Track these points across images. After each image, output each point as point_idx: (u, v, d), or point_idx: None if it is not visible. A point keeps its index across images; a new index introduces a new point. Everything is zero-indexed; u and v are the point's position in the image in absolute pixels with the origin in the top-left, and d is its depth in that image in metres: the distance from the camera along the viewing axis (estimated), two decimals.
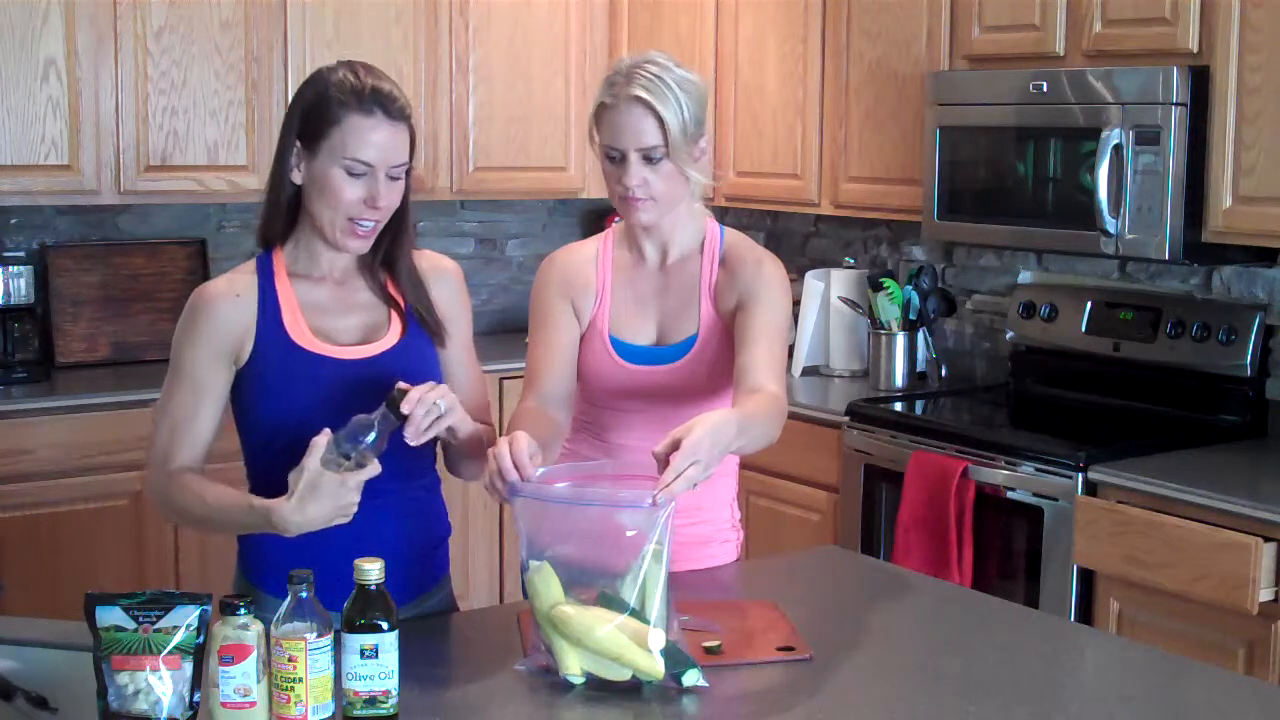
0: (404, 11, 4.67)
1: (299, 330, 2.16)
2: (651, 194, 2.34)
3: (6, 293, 4.23)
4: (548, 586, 1.94)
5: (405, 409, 1.99)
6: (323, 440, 1.97)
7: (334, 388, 2.14)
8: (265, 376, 2.15)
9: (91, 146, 4.20)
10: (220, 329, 2.15)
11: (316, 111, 2.12)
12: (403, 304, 2.24)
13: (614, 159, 2.34)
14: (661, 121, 2.29)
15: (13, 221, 4.44)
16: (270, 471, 2.11)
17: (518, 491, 1.99)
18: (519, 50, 4.91)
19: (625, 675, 1.91)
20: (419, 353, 2.23)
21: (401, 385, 2.01)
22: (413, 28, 4.69)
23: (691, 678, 1.91)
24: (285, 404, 2.14)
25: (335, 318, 2.20)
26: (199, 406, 2.16)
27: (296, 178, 2.15)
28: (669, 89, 2.30)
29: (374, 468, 1.99)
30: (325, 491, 1.95)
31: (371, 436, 1.98)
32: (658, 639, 1.90)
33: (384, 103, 2.11)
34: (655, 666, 1.89)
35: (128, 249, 4.60)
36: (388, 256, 2.24)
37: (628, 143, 2.31)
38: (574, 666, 1.91)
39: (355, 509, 1.99)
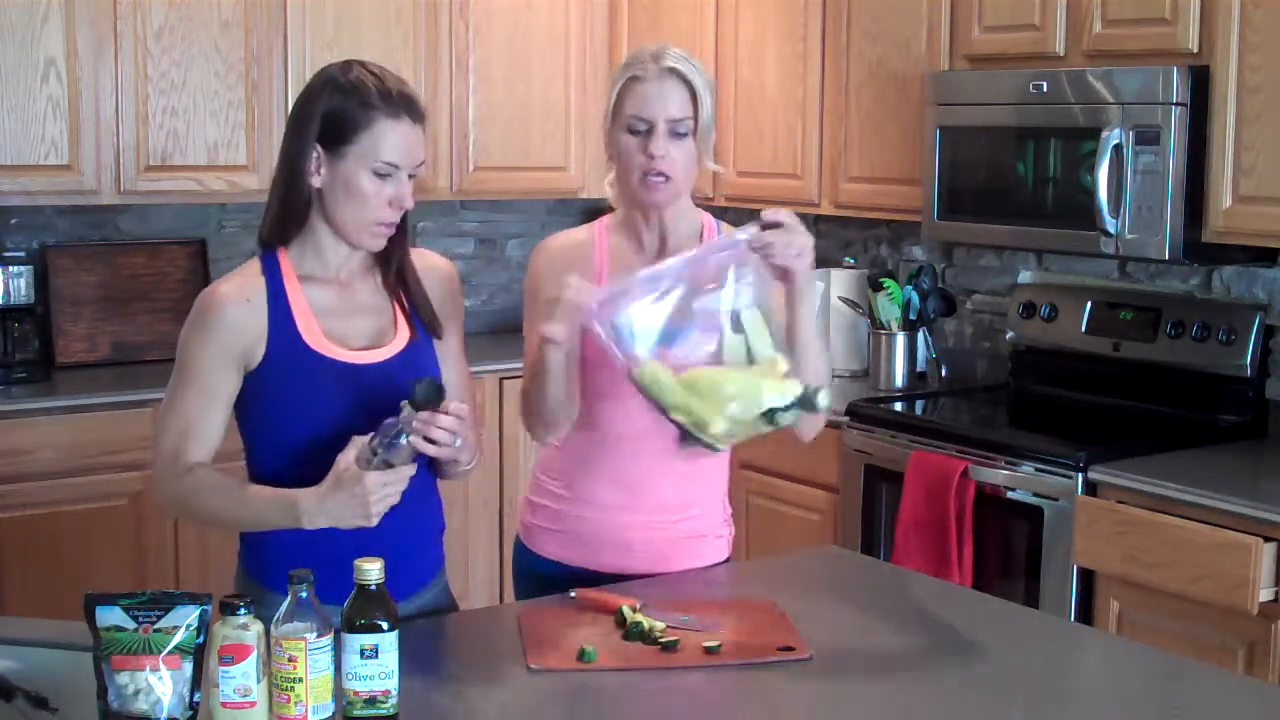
0: (404, 11, 4.67)
1: (313, 334, 2.14)
2: (673, 170, 2.35)
3: (6, 293, 4.22)
4: (661, 372, 2.03)
5: (438, 437, 1.98)
6: (361, 439, 1.99)
7: (349, 392, 2.13)
8: (279, 381, 2.13)
9: (91, 146, 4.20)
10: (231, 333, 2.12)
11: (341, 115, 2.10)
12: (405, 303, 2.24)
13: (639, 131, 2.34)
14: (694, 95, 2.35)
15: (13, 221, 4.44)
16: (279, 477, 2.11)
17: (607, 299, 2.07)
18: (519, 50, 4.91)
19: (762, 425, 2.01)
20: (427, 356, 2.24)
21: (425, 383, 2.00)
22: (413, 28, 4.69)
23: (824, 398, 2.04)
24: (299, 409, 2.13)
25: (345, 320, 2.19)
26: (208, 409, 2.14)
27: (316, 181, 2.13)
28: (698, 69, 2.38)
29: (406, 469, 2.00)
30: (345, 488, 1.97)
31: (403, 440, 1.98)
32: (783, 365, 2.04)
33: (409, 105, 2.14)
34: (790, 386, 2.01)
35: (128, 249, 4.60)
36: (387, 254, 2.23)
37: (659, 111, 2.33)
38: (718, 426, 1.99)
39: (379, 512, 1.99)
